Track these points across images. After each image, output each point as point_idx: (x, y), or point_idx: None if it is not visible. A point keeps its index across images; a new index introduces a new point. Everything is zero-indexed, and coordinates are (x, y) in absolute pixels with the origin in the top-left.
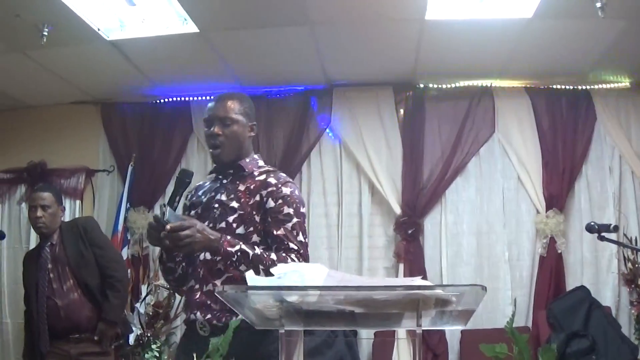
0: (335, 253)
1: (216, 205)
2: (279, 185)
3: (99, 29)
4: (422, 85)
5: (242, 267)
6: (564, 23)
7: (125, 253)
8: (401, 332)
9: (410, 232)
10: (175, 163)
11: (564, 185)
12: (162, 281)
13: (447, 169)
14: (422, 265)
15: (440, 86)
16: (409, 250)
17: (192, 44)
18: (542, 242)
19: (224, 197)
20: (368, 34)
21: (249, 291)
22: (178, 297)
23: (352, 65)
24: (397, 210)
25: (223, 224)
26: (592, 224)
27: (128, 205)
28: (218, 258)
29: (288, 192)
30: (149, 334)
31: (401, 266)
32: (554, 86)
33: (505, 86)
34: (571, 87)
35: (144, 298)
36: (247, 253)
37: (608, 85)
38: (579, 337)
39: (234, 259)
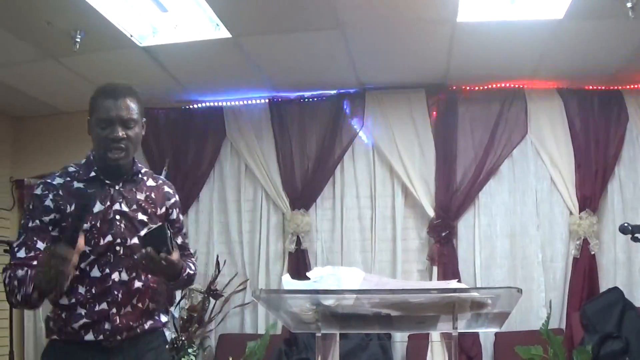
0: (368, 256)
1: (117, 217)
2: (175, 194)
3: (131, 35)
4: (454, 88)
5: (172, 283)
6: (595, 23)
7: None
8: (435, 335)
9: (443, 234)
10: (209, 168)
11: (597, 186)
12: (197, 285)
13: (480, 171)
14: (455, 268)
15: (472, 88)
16: (443, 253)
17: (224, 50)
18: (576, 243)
19: (125, 208)
20: (400, 36)
21: (287, 295)
22: (212, 300)
23: (384, 68)
24: (431, 213)
25: (135, 240)
26: (626, 224)
27: None
28: (135, 277)
29: (178, 199)
30: (183, 338)
31: (435, 269)
32: (586, 87)
33: (537, 87)
34: (603, 88)
35: (179, 302)
36: (187, 271)
37: (639, 86)
38: (612, 339)
39: (179, 279)
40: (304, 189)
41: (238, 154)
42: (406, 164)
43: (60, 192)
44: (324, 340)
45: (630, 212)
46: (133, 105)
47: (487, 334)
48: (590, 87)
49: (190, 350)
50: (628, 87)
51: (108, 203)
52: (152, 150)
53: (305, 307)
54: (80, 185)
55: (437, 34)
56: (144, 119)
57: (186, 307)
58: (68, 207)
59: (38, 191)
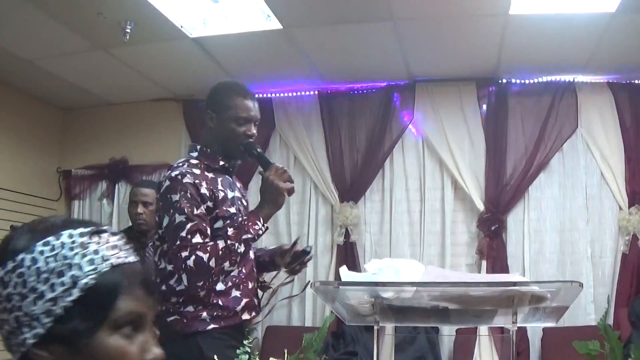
0: (417, 250)
1: (239, 202)
2: None
3: (181, 26)
4: (504, 81)
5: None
6: None
7: None
8: (482, 330)
9: (493, 228)
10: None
11: None
12: None
13: (530, 165)
14: (504, 263)
15: (523, 81)
16: (492, 247)
17: (275, 41)
18: (625, 239)
19: (239, 194)
20: (451, 29)
21: (345, 287)
22: (260, 292)
23: (435, 61)
24: (480, 206)
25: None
26: None
27: None
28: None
29: None
30: None
31: (484, 263)
32: (637, 81)
33: (588, 81)
34: None
35: None
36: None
37: None
38: None
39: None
40: (353, 181)
41: (287, 146)
42: (456, 157)
43: (207, 182)
44: (383, 333)
45: None
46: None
47: (535, 329)
48: None
49: (245, 342)
50: None
51: (234, 190)
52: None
53: (363, 299)
54: (211, 174)
55: (489, 27)
56: None
57: None
58: (219, 194)
59: (189, 179)
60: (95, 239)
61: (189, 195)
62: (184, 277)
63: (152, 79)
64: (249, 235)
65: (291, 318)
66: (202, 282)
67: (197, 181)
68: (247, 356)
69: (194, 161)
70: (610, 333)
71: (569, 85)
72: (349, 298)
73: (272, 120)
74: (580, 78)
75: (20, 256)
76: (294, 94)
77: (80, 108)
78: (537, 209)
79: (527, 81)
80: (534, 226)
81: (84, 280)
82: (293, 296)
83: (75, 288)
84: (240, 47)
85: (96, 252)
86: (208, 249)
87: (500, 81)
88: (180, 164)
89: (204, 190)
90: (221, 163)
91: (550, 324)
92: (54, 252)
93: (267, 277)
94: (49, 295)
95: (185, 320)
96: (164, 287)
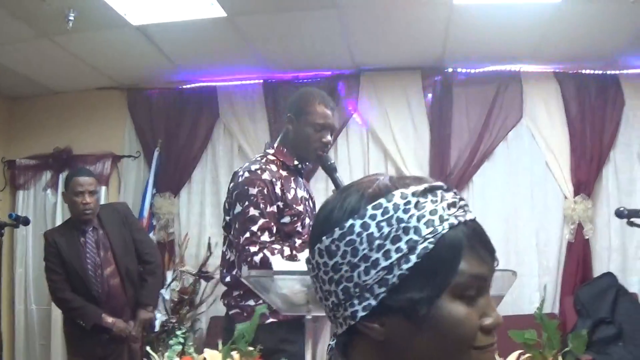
0: None
1: (306, 202)
2: None
3: (125, 14)
4: (450, 70)
5: None
6: (594, 7)
7: None
8: None
9: None
10: (201, 149)
11: (592, 171)
12: (187, 267)
13: (474, 154)
14: None
15: (468, 70)
16: None
17: (218, 29)
18: (570, 228)
19: (307, 195)
20: (396, 17)
21: (277, 276)
22: (204, 283)
23: (380, 49)
24: None
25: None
26: (622, 209)
27: (154, 191)
28: None
29: None
30: (174, 320)
31: None
32: (583, 71)
33: (533, 71)
34: (600, 72)
35: (169, 284)
36: None
37: (637, 71)
38: (605, 324)
39: None
40: None
41: (231, 135)
42: (400, 146)
43: (282, 181)
44: (314, 323)
45: (625, 197)
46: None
47: None
48: (588, 71)
49: (178, 333)
50: (625, 71)
51: (304, 191)
52: (145, 130)
53: (295, 288)
54: (285, 172)
55: (433, 16)
56: None
57: (177, 290)
58: (291, 192)
59: (267, 176)
60: (430, 197)
61: (265, 192)
62: (245, 269)
63: (97, 68)
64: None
65: None
66: None
67: (273, 179)
68: (180, 347)
69: (272, 157)
70: (548, 322)
71: (514, 75)
72: (281, 288)
73: (216, 109)
74: (526, 68)
75: (349, 222)
76: (238, 82)
77: (26, 97)
78: (482, 198)
79: (472, 70)
80: (478, 215)
81: (423, 245)
82: None
83: (413, 254)
84: (184, 35)
85: (433, 212)
86: (275, 251)
87: (445, 70)
88: (259, 158)
89: (277, 189)
90: (295, 163)
91: None
92: (386, 216)
93: (210, 267)
94: (384, 263)
95: (245, 314)
96: (228, 279)
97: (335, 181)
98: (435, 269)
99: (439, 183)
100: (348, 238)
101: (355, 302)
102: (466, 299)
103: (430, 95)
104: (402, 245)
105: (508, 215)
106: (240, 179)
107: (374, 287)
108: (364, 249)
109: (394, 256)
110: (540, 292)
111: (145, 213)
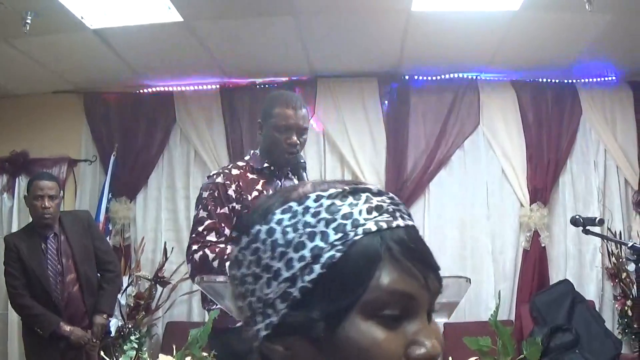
0: None
1: None
2: None
3: (82, 17)
4: (407, 77)
5: None
6: (551, 16)
7: None
8: None
9: None
10: (158, 154)
11: (549, 178)
12: (143, 272)
13: (431, 161)
14: None
15: (425, 78)
16: None
17: (175, 33)
18: (526, 235)
19: None
20: (353, 24)
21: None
22: (160, 288)
23: (337, 56)
24: None
25: None
26: (577, 217)
27: (110, 195)
28: None
29: None
30: (130, 325)
31: None
32: (540, 79)
33: (490, 79)
34: (557, 81)
35: (125, 289)
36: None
37: (594, 79)
38: (562, 331)
39: None
40: None
41: (188, 140)
42: (357, 153)
43: (240, 183)
44: None
45: (581, 205)
46: (306, 115)
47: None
48: (544, 80)
49: (132, 338)
50: (582, 80)
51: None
52: (102, 134)
53: None
54: (252, 176)
55: (391, 23)
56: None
57: (133, 295)
58: (248, 196)
59: (220, 180)
60: (350, 199)
61: (216, 195)
62: (189, 268)
63: (53, 71)
64: None
65: (191, 314)
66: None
67: (227, 182)
68: (134, 352)
69: (241, 163)
70: (502, 329)
71: (471, 83)
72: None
73: (173, 114)
74: (483, 76)
75: (256, 228)
76: (195, 87)
77: None
78: (438, 205)
79: (429, 78)
80: (435, 222)
81: (329, 253)
82: (193, 292)
83: (317, 264)
84: (141, 40)
85: (346, 216)
86: (217, 250)
87: (402, 77)
88: (227, 165)
89: (231, 191)
90: (265, 165)
91: (442, 319)
92: (294, 220)
93: (166, 272)
94: (285, 274)
95: (216, 317)
96: None
97: (301, 180)
98: (343, 282)
99: (369, 186)
100: (253, 246)
101: (259, 319)
102: (386, 321)
103: (387, 102)
104: (306, 253)
105: (464, 222)
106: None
107: (276, 302)
108: (267, 258)
109: (297, 266)
110: (496, 299)
111: (101, 217)
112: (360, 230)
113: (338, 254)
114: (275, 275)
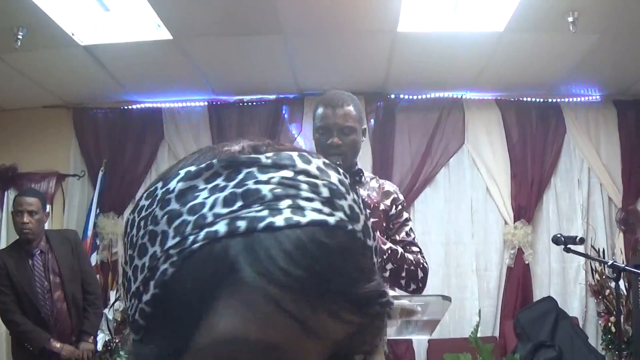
0: None
1: None
2: (397, 192)
3: (73, 34)
4: (393, 96)
5: (389, 266)
6: (536, 37)
7: (94, 259)
8: None
9: None
10: (146, 169)
11: (533, 196)
12: None
13: (416, 179)
14: None
15: (411, 97)
16: None
17: (165, 51)
18: (510, 252)
19: None
20: (340, 44)
21: None
22: None
23: (324, 74)
24: None
25: None
26: (559, 235)
27: (98, 210)
28: None
29: (403, 198)
30: (117, 340)
31: None
32: (524, 99)
33: (475, 98)
34: (541, 100)
35: (112, 304)
36: (397, 251)
37: (578, 99)
38: (545, 347)
39: (385, 257)
40: None
41: (175, 156)
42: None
43: None
44: None
45: (565, 223)
46: (351, 113)
47: (420, 340)
48: (529, 99)
49: (122, 352)
50: (566, 99)
51: None
52: (91, 149)
53: None
54: None
55: (377, 43)
56: (364, 126)
57: (120, 310)
58: None
59: None
60: (219, 180)
61: None
62: None
63: (43, 86)
64: None
65: None
66: None
67: None
68: None
69: None
70: (482, 346)
71: (456, 102)
72: None
73: (161, 130)
74: (468, 95)
75: (130, 217)
76: (184, 104)
77: None
78: (423, 223)
79: (415, 97)
80: (419, 239)
81: (162, 267)
82: None
83: (153, 279)
84: (130, 56)
85: (195, 209)
86: None
87: (388, 96)
88: None
89: None
90: None
91: (424, 337)
92: (149, 210)
93: None
94: (133, 286)
95: None
96: None
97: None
98: (173, 314)
99: (271, 155)
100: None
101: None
102: None
103: (373, 120)
104: (146, 261)
105: (449, 239)
106: None
107: (135, 317)
108: (124, 264)
109: (139, 278)
110: (477, 317)
111: (89, 233)
112: (202, 234)
113: (171, 269)
114: (127, 288)
